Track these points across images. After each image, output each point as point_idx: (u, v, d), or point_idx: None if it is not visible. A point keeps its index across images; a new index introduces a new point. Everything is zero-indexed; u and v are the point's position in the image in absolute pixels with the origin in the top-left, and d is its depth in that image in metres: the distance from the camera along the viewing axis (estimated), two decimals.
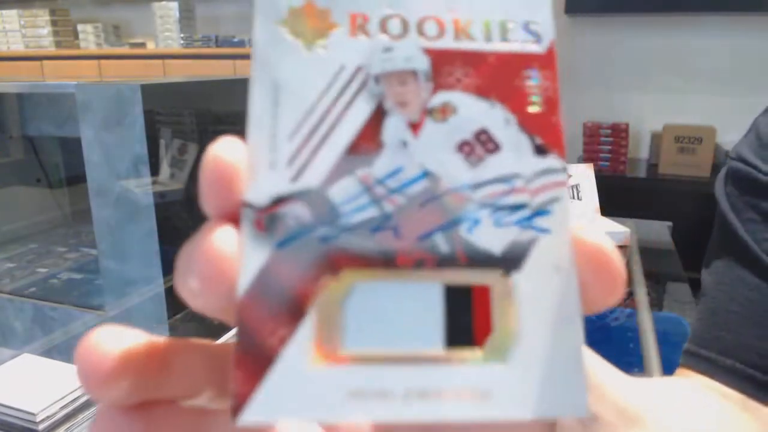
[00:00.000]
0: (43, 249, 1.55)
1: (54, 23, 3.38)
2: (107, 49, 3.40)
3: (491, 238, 0.14)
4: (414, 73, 0.15)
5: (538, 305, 0.14)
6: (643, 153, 2.66)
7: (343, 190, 0.14)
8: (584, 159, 2.45)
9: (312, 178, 0.14)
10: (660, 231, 1.42)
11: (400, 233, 0.14)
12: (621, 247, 1.20)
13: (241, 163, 0.14)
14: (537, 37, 0.16)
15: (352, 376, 0.13)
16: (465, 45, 0.15)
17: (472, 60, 0.15)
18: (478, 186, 0.15)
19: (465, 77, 0.15)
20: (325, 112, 0.15)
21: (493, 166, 0.15)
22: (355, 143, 0.14)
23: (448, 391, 0.14)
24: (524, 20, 0.16)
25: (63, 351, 1.19)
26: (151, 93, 1.07)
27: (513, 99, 0.15)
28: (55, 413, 0.66)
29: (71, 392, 0.68)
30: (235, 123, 1.35)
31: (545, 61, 0.15)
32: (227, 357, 0.16)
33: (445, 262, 0.14)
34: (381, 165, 0.14)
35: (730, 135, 2.42)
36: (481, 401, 0.14)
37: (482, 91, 0.15)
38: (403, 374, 0.14)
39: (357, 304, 0.14)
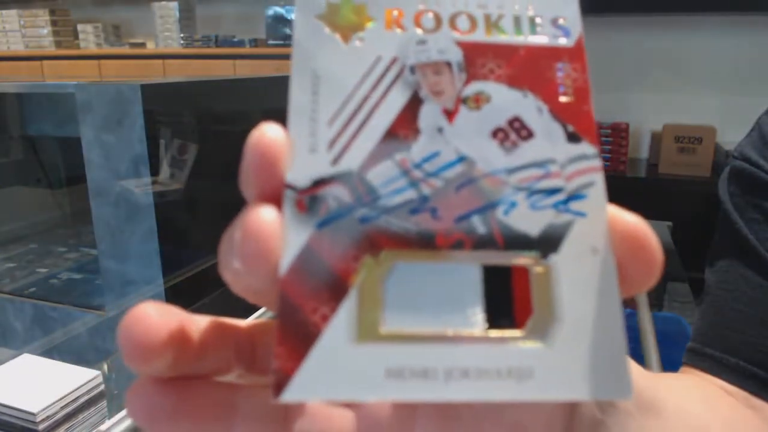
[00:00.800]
0: (43, 249, 1.55)
1: (54, 23, 3.38)
2: (107, 49, 3.40)
3: (528, 220, 0.15)
4: (448, 64, 0.16)
5: (576, 287, 0.14)
6: (643, 153, 2.66)
7: (381, 173, 0.15)
8: None
9: (351, 162, 0.15)
10: (660, 231, 1.42)
11: (438, 215, 0.15)
12: None
13: (283, 147, 0.14)
14: (565, 32, 0.16)
15: (394, 355, 0.13)
16: (496, 39, 0.16)
17: (504, 52, 0.16)
18: (513, 170, 0.15)
19: (497, 68, 0.16)
20: (362, 100, 0.15)
21: (528, 151, 0.15)
22: (393, 129, 0.15)
23: (490, 371, 0.13)
24: (553, 16, 0.16)
25: (63, 351, 1.19)
26: (151, 93, 1.07)
27: (544, 89, 0.16)
28: (55, 413, 0.66)
29: (71, 392, 0.68)
30: (235, 123, 1.35)
31: (574, 54, 0.16)
32: (256, 337, 0.17)
33: (482, 243, 0.14)
34: (418, 150, 0.15)
35: (730, 135, 2.42)
36: (522, 382, 0.13)
37: (514, 82, 0.16)
38: (443, 354, 0.14)
39: (397, 284, 0.14)
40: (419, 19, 0.16)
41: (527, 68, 0.16)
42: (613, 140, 2.46)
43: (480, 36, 0.16)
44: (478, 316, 0.14)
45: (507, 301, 0.14)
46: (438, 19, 0.16)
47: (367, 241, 0.14)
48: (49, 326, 1.24)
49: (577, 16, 0.16)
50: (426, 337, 0.14)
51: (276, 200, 0.14)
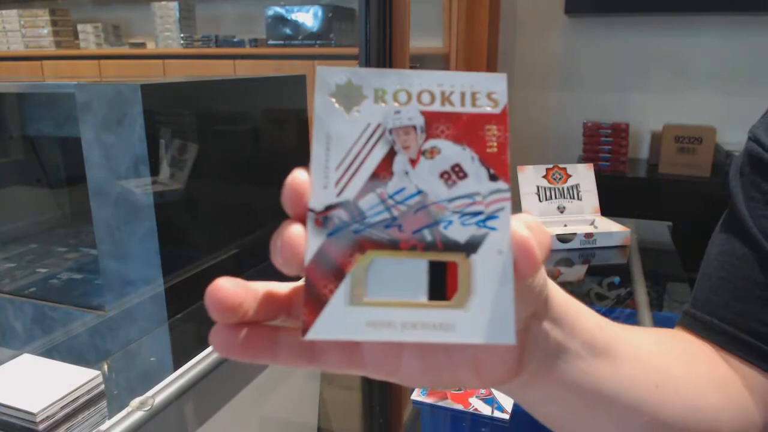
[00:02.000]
0: (43, 249, 1.55)
1: (54, 23, 3.38)
2: (107, 49, 3.40)
3: (459, 232, 0.22)
4: (414, 127, 0.23)
5: (486, 274, 0.22)
6: (643, 153, 2.66)
7: (367, 202, 0.22)
8: (584, 159, 2.45)
9: (349, 194, 0.22)
10: (660, 231, 1.41)
11: (402, 229, 0.22)
12: (621, 247, 1.20)
13: (306, 185, 0.22)
14: (495, 103, 0.24)
15: (371, 314, 0.22)
16: (447, 108, 0.23)
17: (452, 118, 0.23)
18: (452, 200, 0.23)
19: (447, 130, 0.23)
20: (357, 153, 0.23)
21: (462, 187, 0.23)
22: (376, 172, 0.23)
23: (428, 324, 0.22)
24: (488, 91, 0.24)
25: (63, 351, 1.19)
26: (151, 93, 1.07)
27: (477, 144, 0.23)
28: (55, 413, 0.66)
29: (71, 392, 0.68)
30: (235, 123, 1.35)
31: (500, 119, 0.23)
32: (293, 295, 0.25)
33: (429, 247, 0.22)
34: (391, 186, 0.23)
35: (731, 135, 2.42)
36: (448, 331, 0.22)
37: (457, 139, 0.23)
38: (401, 314, 0.22)
39: (375, 271, 0.22)
40: (396, 95, 0.23)
41: (467, 129, 0.23)
42: (613, 140, 2.46)
43: (437, 107, 0.23)
44: (423, 292, 0.22)
45: (442, 283, 0.22)
46: (409, 95, 0.23)
47: (357, 245, 0.22)
48: (49, 326, 1.24)
49: (505, 90, 0.24)
50: (391, 304, 0.22)
51: (303, 217, 0.22)
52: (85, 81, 1.14)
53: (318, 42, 2.85)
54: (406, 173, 0.23)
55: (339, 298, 0.22)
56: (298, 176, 0.22)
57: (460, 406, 0.71)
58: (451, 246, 0.22)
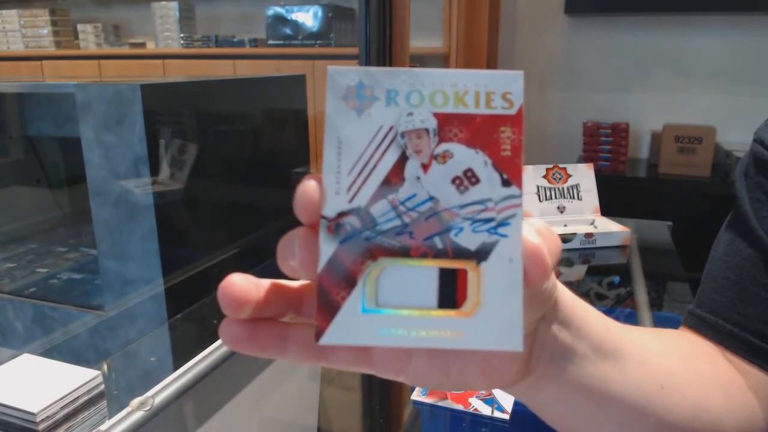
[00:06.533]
0: (43, 249, 1.55)
1: (54, 23, 3.38)
2: (107, 49, 3.40)
3: (469, 240, 0.22)
4: (426, 131, 0.23)
5: (496, 282, 0.22)
6: (643, 153, 2.66)
7: (379, 208, 0.22)
8: (584, 159, 2.45)
9: (361, 200, 0.22)
10: (660, 231, 1.41)
11: (413, 236, 0.22)
12: (621, 247, 1.20)
13: (319, 192, 0.22)
14: (510, 104, 0.23)
15: (383, 320, 0.22)
16: (461, 110, 0.23)
17: (465, 120, 0.23)
18: (463, 206, 0.22)
19: (459, 133, 0.23)
20: (369, 158, 0.22)
21: (475, 193, 0.22)
22: (387, 178, 0.22)
23: (437, 331, 0.22)
24: (503, 90, 0.23)
25: (63, 351, 1.19)
26: (151, 93, 1.07)
27: (491, 147, 0.22)
28: (55, 413, 0.66)
29: (71, 392, 0.68)
30: (235, 123, 1.35)
31: (515, 120, 0.22)
32: (303, 292, 0.25)
33: (440, 254, 0.22)
34: (403, 192, 0.22)
35: (731, 135, 2.42)
36: (456, 337, 0.22)
37: (470, 143, 0.22)
38: (411, 320, 0.22)
39: (387, 278, 0.22)
40: (409, 97, 0.23)
41: (480, 132, 0.22)
42: (613, 140, 2.46)
43: (450, 108, 0.23)
44: (433, 299, 0.22)
45: (452, 290, 0.22)
46: (421, 97, 0.23)
47: (369, 252, 0.22)
48: (49, 326, 1.24)
49: (521, 89, 0.23)
50: (401, 310, 0.22)
51: (315, 224, 0.22)
52: (85, 81, 1.14)
53: (318, 42, 2.85)
54: (418, 179, 0.22)
55: (351, 304, 0.22)
56: (310, 183, 0.22)
57: (460, 406, 0.71)
58: (461, 253, 0.22)
